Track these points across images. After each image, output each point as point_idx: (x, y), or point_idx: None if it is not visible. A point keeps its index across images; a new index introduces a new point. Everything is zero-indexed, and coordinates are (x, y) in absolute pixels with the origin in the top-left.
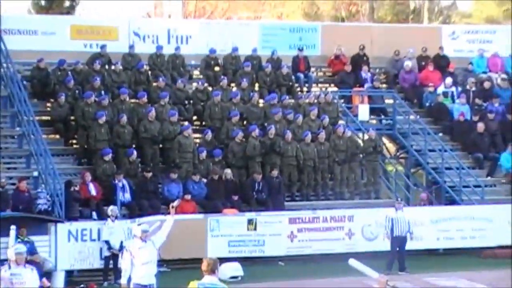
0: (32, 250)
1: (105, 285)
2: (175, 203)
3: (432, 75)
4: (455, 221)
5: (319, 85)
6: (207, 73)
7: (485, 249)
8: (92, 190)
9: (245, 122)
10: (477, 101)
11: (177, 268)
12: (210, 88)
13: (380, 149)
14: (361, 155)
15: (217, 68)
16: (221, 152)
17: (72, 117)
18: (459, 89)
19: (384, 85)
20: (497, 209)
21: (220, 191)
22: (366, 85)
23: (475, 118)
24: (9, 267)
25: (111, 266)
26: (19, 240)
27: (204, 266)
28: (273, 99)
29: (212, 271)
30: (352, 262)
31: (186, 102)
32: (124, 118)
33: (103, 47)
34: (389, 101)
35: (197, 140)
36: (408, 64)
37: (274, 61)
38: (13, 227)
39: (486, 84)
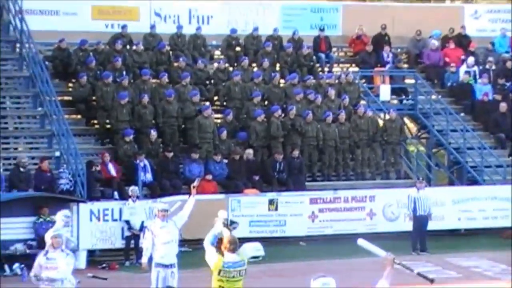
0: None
1: (127, 265)
2: (196, 183)
3: (454, 54)
4: (477, 201)
5: (340, 65)
6: (228, 53)
7: (507, 229)
8: (112, 170)
9: (266, 102)
10: (500, 80)
11: (198, 248)
12: (231, 68)
13: (402, 133)
14: (382, 136)
15: (238, 48)
16: (246, 135)
17: (93, 98)
18: (481, 68)
19: (405, 65)
20: None
21: (241, 171)
22: (387, 65)
23: (498, 98)
24: (47, 252)
25: (132, 246)
26: (41, 219)
27: (224, 245)
28: (294, 78)
29: (233, 249)
30: (361, 242)
31: (207, 82)
32: (146, 98)
33: (124, 27)
34: (410, 81)
35: (218, 121)
36: (434, 42)
37: (295, 41)
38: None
39: (509, 64)
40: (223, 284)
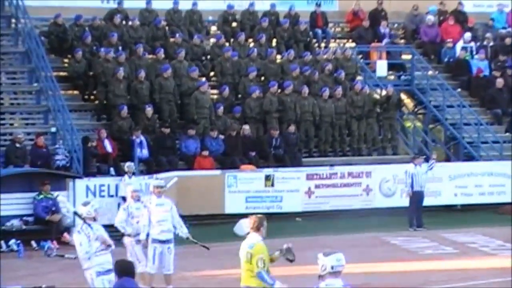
0: (54, 206)
1: (123, 241)
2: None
3: (452, 30)
4: (473, 177)
5: (337, 40)
6: (225, 29)
7: (503, 205)
8: (108, 146)
9: (262, 78)
10: (501, 57)
11: (195, 224)
12: (227, 44)
13: (399, 107)
14: (378, 110)
15: (234, 24)
16: (240, 110)
17: (89, 73)
18: (478, 44)
19: (402, 41)
20: None
21: (237, 147)
22: (384, 41)
23: (495, 74)
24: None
25: None
26: (42, 196)
27: (250, 224)
28: (290, 54)
29: (257, 228)
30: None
31: (203, 58)
32: (142, 74)
33: (120, 2)
34: (407, 56)
35: (215, 96)
36: (430, 18)
37: (292, 16)
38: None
39: (508, 40)
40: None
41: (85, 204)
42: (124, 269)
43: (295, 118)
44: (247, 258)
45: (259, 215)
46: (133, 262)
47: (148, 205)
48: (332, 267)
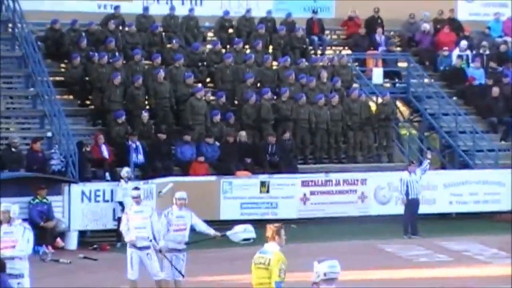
0: (49, 211)
1: (118, 246)
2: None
3: (447, 38)
4: (468, 185)
5: (333, 48)
6: (221, 35)
7: (498, 213)
8: (105, 151)
9: (258, 85)
10: (492, 64)
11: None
12: (223, 50)
13: (394, 116)
14: (374, 120)
15: (231, 30)
16: (230, 116)
17: (86, 78)
18: (474, 52)
19: (398, 48)
20: (510, 174)
21: (233, 153)
22: (380, 48)
23: (490, 82)
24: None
25: None
26: (37, 200)
27: (267, 233)
28: (286, 61)
29: (273, 237)
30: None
31: (200, 64)
32: (140, 81)
33: (117, 8)
34: (403, 64)
35: (212, 103)
36: (426, 26)
37: (288, 23)
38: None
39: (503, 48)
40: None
41: None
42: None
43: (290, 125)
44: (265, 265)
45: (276, 224)
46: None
47: (128, 212)
48: (325, 274)
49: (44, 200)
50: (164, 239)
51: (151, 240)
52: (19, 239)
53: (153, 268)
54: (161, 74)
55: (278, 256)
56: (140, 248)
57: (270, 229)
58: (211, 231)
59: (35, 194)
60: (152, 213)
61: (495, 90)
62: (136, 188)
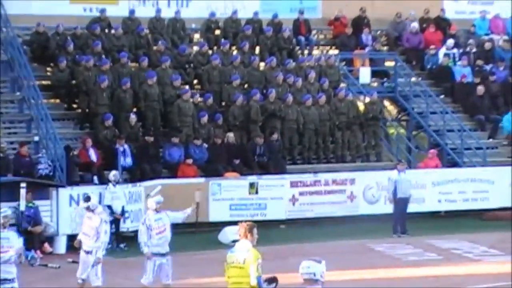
0: (36, 215)
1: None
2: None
3: (434, 37)
4: (457, 183)
5: (320, 48)
6: (208, 37)
7: (487, 211)
8: (93, 155)
9: (246, 86)
10: (479, 62)
11: (179, 232)
12: (210, 52)
13: (381, 116)
14: (362, 119)
15: (217, 32)
16: (220, 117)
17: (73, 82)
18: (461, 51)
19: (385, 48)
20: (499, 171)
21: (221, 155)
22: (367, 48)
23: (476, 80)
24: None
25: (113, 230)
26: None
27: (239, 231)
28: (272, 61)
29: (245, 235)
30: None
31: (187, 65)
32: (127, 84)
33: (102, 11)
34: (390, 63)
35: (200, 105)
36: (414, 25)
37: (275, 24)
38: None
39: (487, 45)
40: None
41: None
42: None
43: (278, 126)
44: (240, 263)
45: (248, 222)
46: None
47: (148, 222)
48: (301, 274)
49: (30, 204)
50: (149, 245)
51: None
52: (15, 244)
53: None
54: (154, 78)
55: (254, 253)
56: (86, 252)
57: (242, 227)
58: (187, 210)
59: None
60: (102, 221)
61: (480, 89)
62: (87, 199)
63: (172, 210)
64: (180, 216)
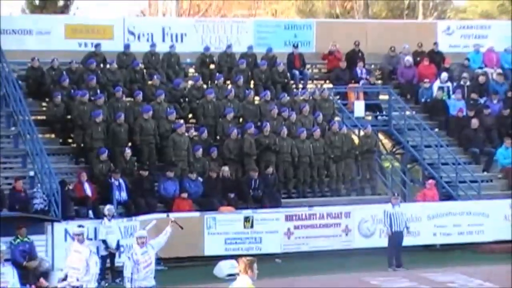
0: (31, 250)
1: (102, 284)
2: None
3: (428, 70)
4: (452, 217)
5: (314, 81)
6: (203, 71)
7: (482, 244)
8: (88, 189)
9: (240, 120)
10: (473, 96)
11: (174, 267)
12: (205, 86)
13: (376, 149)
14: (357, 152)
15: (212, 66)
16: (215, 150)
17: (68, 117)
18: (455, 84)
19: (379, 81)
20: (494, 204)
21: (216, 188)
22: (361, 81)
23: (471, 114)
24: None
25: (108, 265)
26: (18, 240)
27: (240, 266)
28: (266, 95)
29: (245, 271)
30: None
31: (182, 100)
32: (122, 118)
33: (97, 46)
34: (384, 97)
35: (195, 138)
36: (408, 59)
37: (269, 58)
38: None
39: (481, 79)
40: None
41: None
42: None
43: (273, 159)
44: None
45: (249, 258)
46: None
47: (134, 257)
48: None
49: (26, 239)
50: (136, 280)
51: (78, 280)
52: (10, 280)
53: None
54: (150, 112)
55: None
56: None
57: (242, 262)
58: (167, 229)
59: (15, 234)
60: (90, 254)
61: (474, 122)
62: (80, 226)
63: (153, 238)
64: (162, 238)
